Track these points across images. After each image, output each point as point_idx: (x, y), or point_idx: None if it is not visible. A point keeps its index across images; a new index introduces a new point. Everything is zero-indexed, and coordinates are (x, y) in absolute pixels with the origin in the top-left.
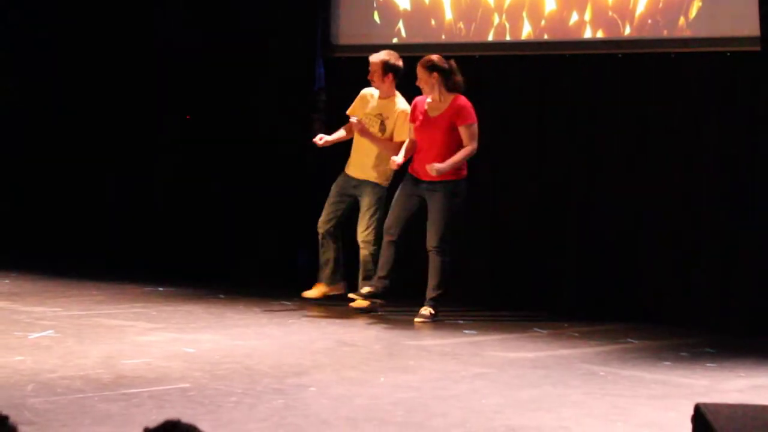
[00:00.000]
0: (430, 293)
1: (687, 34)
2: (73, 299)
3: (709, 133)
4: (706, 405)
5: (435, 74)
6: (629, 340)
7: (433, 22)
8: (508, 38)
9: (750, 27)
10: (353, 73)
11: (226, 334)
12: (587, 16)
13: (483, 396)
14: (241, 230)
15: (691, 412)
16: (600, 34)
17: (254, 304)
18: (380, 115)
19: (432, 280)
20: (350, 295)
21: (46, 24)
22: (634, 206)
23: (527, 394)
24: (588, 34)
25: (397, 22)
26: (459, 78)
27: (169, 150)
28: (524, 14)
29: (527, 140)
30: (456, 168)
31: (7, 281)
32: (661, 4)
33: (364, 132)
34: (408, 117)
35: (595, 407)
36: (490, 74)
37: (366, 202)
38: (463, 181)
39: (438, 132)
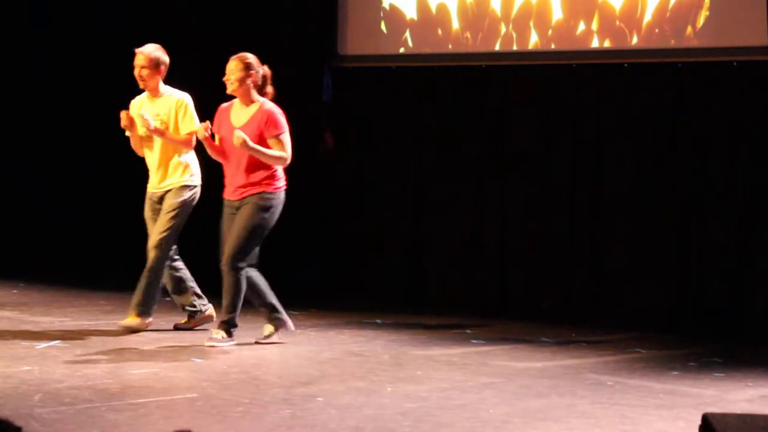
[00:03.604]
0: (223, 315)
1: (694, 43)
2: (81, 309)
3: (716, 142)
4: (714, 415)
5: (252, 74)
6: (637, 349)
7: (440, 31)
8: (515, 48)
9: (757, 36)
10: (361, 83)
11: (234, 344)
12: (594, 26)
13: (490, 406)
14: None
15: (699, 422)
16: (607, 44)
17: (261, 315)
18: (158, 115)
19: (225, 300)
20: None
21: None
22: (642, 214)
23: (535, 404)
24: (595, 43)
25: (404, 31)
26: (270, 89)
27: None
28: (531, 24)
29: (534, 149)
30: (265, 179)
31: (15, 291)
32: (668, 14)
33: (157, 131)
34: (188, 105)
35: (602, 417)
36: (496, 84)
37: (166, 204)
38: (277, 194)
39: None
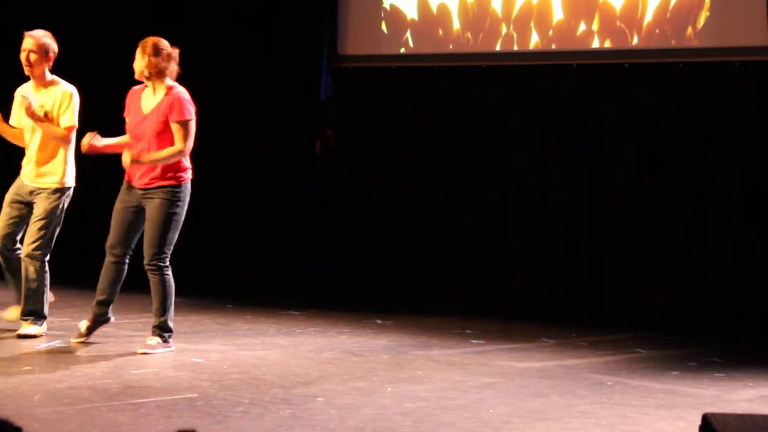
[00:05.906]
0: (155, 319)
1: (695, 43)
2: (81, 309)
3: (717, 143)
4: (714, 415)
5: (156, 60)
6: (637, 349)
7: (440, 32)
8: (515, 48)
9: (758, 37)
10: (361, 83)
11: (234, 344)
12: (595, 26)
13: (490, 406)
14: (250, 240)
15: (699, 422)
16: (607, 44)
17: (262, 314)
18: (43, 106)
19: (154, 303)
20: (21, 332)
21: None
22: (642, 215)
23: (535, 404)
24: (596, 43)
25: (405, 32)
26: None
27: None
28: (532, 24)
29: (534, 149)
30: (172, 171)
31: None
32: (668, 14)
33: (32, 115)
34: (73, 98)
35: (602, 417)
36: (497, 84)
37: (38, 211)
38: (184, 186)
39: (151, 129)
